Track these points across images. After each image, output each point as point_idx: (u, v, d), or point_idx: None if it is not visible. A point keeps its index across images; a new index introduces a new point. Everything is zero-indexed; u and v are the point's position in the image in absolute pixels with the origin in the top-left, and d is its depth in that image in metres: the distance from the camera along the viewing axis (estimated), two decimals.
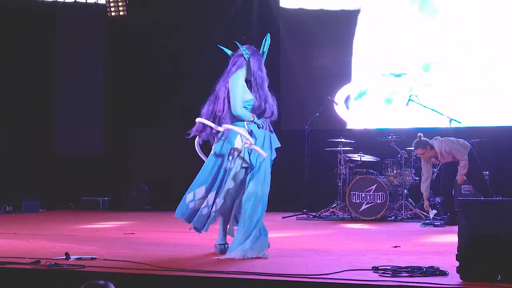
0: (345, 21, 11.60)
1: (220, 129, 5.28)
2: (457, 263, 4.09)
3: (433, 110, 9.59)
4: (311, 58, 11.81)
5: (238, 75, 5.36)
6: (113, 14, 12.37)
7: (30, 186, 11.85)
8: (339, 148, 10.00)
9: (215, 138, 5.40)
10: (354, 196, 9.43)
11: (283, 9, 12.02)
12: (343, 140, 10.00)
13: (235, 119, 5.32)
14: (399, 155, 9.63)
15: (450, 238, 6.58)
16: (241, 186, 5.36)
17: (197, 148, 5.58)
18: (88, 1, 12.60)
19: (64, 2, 12.53)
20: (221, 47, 5.60)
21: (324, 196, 10.44)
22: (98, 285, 2.90)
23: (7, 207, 11.11)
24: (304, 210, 10.04)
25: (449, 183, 8.85)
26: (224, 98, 5.35)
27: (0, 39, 12.11)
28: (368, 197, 9.37)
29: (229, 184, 5.29)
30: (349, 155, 10.04)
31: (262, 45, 5.49)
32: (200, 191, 5.28)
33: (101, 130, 12.85)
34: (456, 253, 4.18)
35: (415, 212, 9.38)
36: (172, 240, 6.77)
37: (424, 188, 8.67)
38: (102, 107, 12.88)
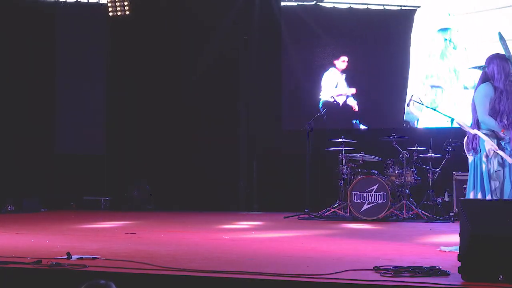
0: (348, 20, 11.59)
1: (472, 131, 5.57)
2: (459, 263, 4.09)
3: (434, 110, 9.56)
4: (312, 57, 11.80)
5: None
6: (114, 14, 12.35)
7: (32, 186, 11.84)
8: (341, 148, 9.99)
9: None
10: (355, 196, 9.43)
11: (284, 8, 12.00)
12: (344, 140, 9.98)
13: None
14: (400, 155, 9.61)
15: (451, 238, 6.57)
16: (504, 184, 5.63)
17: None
18: (89, 1, 12.59)
19: (65, 2, 12.52)
20: None
21: (326, 196, 10.43)
22: (99, 285, 2.89)
23: (9, 207, 11.11)
24: (306, 210, 10.02)
25: None
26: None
27: (1, 38, 12.10)
28: (370, 197, 9.36)
29: (493, 184, 5.55)
30: (351, 155, 10.03)
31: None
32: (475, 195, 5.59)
33: (102, 130, 12.83)
34: (458, 253, 4.18)
35: (417, 212, 9.36)
36: (173, 240, 6.78)
37: None
38: (104, 106, 12.86)
